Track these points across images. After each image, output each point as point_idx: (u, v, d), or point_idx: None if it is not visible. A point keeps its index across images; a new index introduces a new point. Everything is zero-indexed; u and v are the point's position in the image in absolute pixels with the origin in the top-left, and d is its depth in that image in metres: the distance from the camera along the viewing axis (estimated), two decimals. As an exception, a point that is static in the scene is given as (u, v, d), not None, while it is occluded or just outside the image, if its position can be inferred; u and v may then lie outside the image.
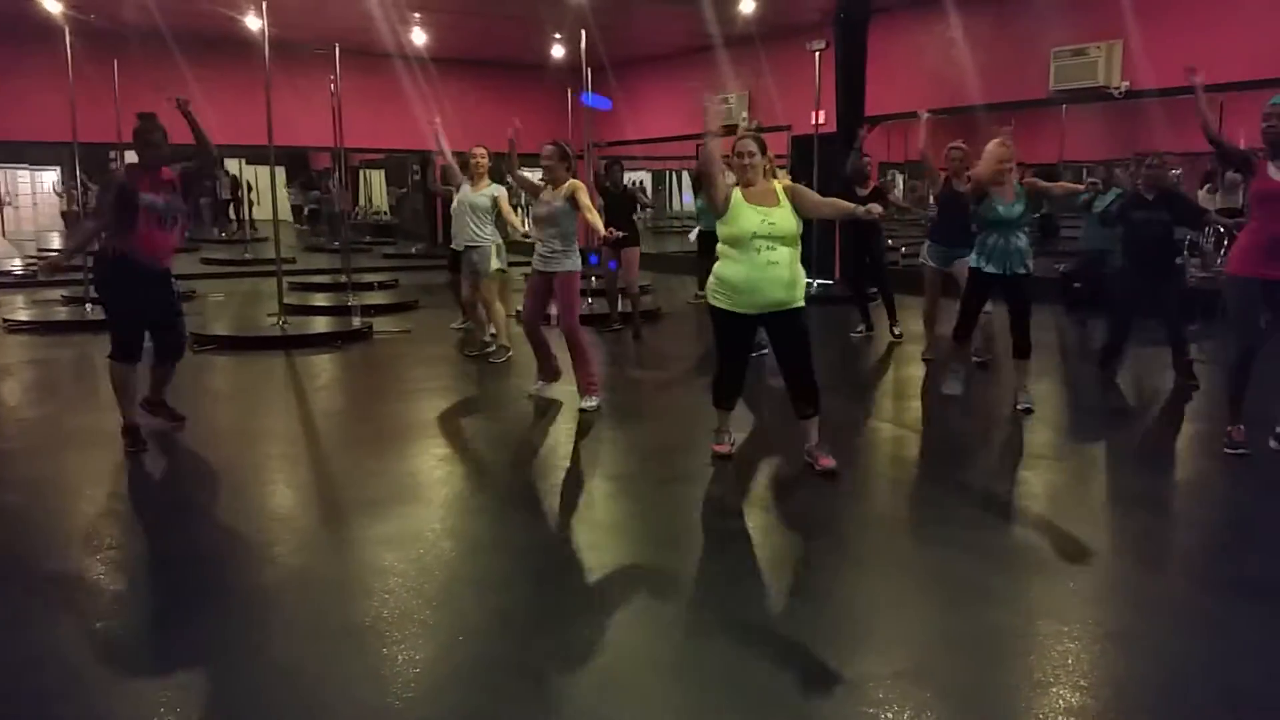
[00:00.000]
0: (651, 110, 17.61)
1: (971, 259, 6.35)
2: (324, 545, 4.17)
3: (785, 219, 4.70)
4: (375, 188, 29.05)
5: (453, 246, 8.72)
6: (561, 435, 5.91)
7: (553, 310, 6.62)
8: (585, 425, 6.03)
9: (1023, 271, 6.19)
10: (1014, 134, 7.46)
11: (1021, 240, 6.21)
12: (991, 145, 6.15)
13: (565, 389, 6.76)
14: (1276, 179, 5.02)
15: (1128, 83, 11.04)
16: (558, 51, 15.73)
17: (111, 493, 4.68)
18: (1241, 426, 5.28)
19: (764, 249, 4.64)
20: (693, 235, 11.19)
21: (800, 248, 4.78)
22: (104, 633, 3.31)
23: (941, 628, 3.34)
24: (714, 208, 4.79)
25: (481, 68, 18.21)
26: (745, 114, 14.56)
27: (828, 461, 4.93)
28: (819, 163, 12.18)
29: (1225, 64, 10.28)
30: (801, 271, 4.79)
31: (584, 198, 6.13)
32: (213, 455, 5.38)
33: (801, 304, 4.81)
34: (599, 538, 4.25)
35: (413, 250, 19.84)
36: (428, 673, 3.00)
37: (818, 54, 12.55)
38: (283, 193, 22.94)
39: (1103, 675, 2.98)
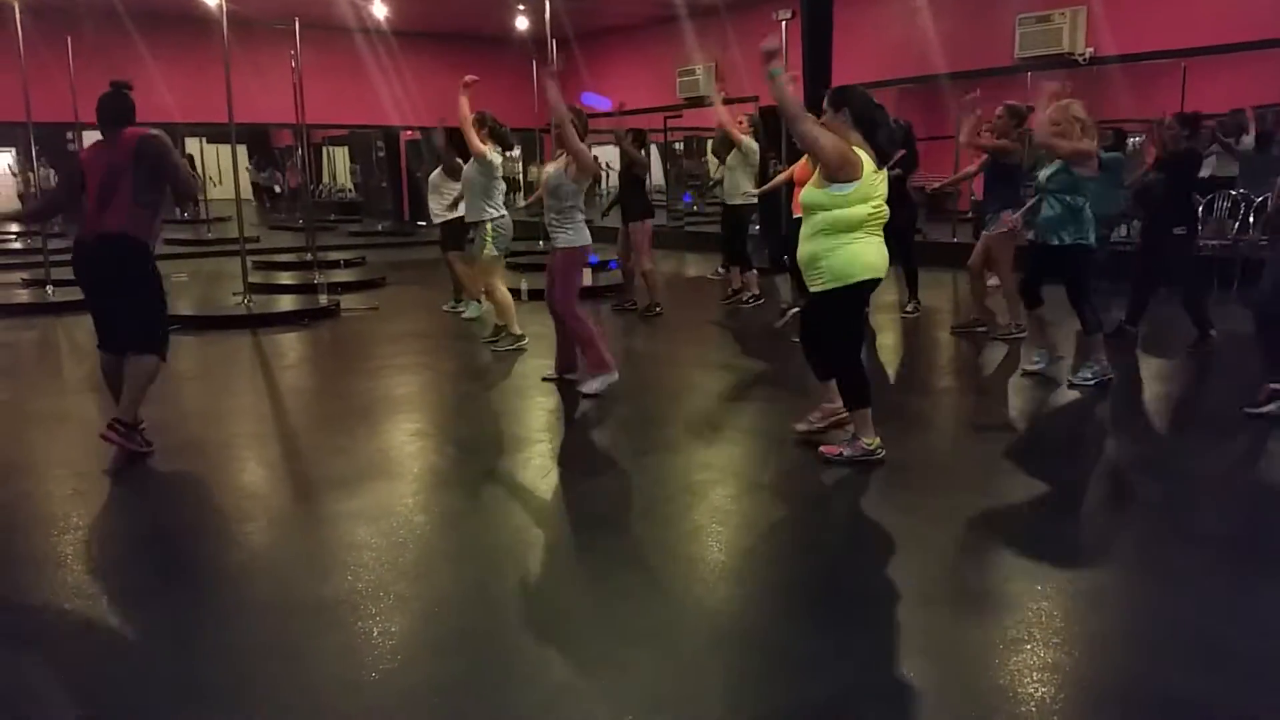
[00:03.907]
0: (618, 82, 17.50)
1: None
2: (296, 522, 4.13)
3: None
4: (339, 165, 28.71)
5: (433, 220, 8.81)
6: (535, 409, 5.88)
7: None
8: (558, 399, 6.00)
9: (1054, 243, 5.86)
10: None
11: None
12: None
13: (543, 364, 6.73)
14: None
15: (1092, 49, 11.10)
16: (521, 23, 15.60)
17: (78, 473, 4.61)
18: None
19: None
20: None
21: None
22: (74, 614, 3.26)
23: (916, 589, 3.36)
24: (837, 173, 4.22)
25: (444, 40, 18.04)
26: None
27: (829, 449, 4.63)
28: (786, 133, 12.15)
29: (1188, 28, 10.37)
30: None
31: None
32: (180, 435, 5.30)
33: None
34: (573, 509, 4.24)
35: (379, 228, 19.66)
36: (403, 645, 2.98)
37: (784, 23, 12.50)
38: (244, 172, 22.62)
39: (1076, 631, 3.02)
